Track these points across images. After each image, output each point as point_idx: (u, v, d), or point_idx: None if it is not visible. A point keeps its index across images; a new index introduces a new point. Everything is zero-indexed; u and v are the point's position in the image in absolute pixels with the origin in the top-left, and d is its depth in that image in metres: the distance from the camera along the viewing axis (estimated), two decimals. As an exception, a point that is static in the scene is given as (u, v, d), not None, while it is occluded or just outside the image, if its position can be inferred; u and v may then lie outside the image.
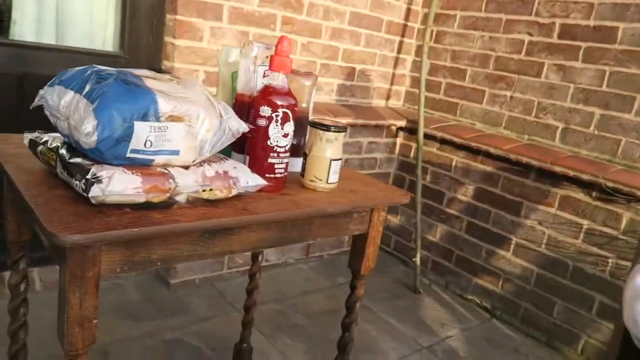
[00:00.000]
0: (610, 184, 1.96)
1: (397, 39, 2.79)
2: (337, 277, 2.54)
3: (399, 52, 2.82)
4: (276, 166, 0.95)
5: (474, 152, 2.47)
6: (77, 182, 0.73)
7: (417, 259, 2.54)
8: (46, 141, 0.84)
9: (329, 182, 1.01)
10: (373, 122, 2.64)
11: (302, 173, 1.03)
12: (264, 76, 0.99)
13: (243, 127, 0.86)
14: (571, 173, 2.06)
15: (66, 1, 1.97)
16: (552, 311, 2.20)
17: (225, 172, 0.85)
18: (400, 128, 2.81)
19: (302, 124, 1.12)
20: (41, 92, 0.82)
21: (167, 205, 0.79)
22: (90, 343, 0.76)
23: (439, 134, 2.56)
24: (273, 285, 2.36)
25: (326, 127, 1.00)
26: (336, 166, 1.02)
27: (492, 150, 2.34)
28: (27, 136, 0.88)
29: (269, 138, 0.93)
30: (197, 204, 0.83)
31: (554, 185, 2.19)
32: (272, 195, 0.95)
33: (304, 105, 1.11)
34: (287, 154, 0.96)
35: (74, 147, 0.78)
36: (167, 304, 2.06)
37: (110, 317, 1.90)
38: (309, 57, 2.43)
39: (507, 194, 2.36)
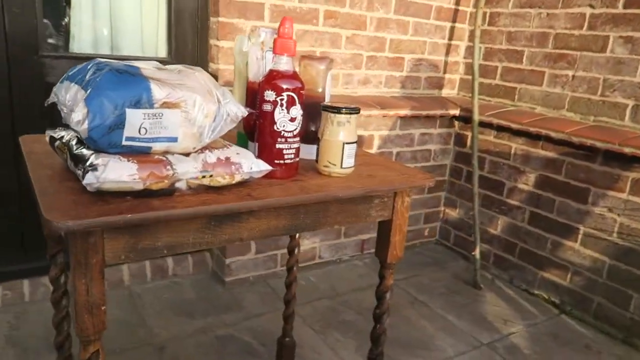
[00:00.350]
0: (689, 162, 1.74)
1: (448, 25, 2.67)
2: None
3: (450, 38, 2.70)
4: (285, 152, 0.93)
5: (533, 137, 2.31)
6: (79, 171, 0.75)
7: (477, 253, 2.41)
8: (62, 136, 0.88)
9: (343, 166, 0.98)
10: (424, 113, 2.55)
11: (317, 159, 1.00)
12: (272, 61, 0.97)
13: (242, 111, 0.85)
14: (643, 153, 1.86)
15: (119, 13, 2.08)
16: (629, 306, 2.00)
17: (228, 158, 0.84)
18: (455, 117, 2.69)
19: (317, 109, 1.09)
20: (54, 89, 0.86)
21: (168, 192, 0.79)
22: (100, 329, 0.78)
23: (495, 121, 2.42)
24: (326, 282, 2.34)
25: (337, 110, 0.97)
26: (350, 150, 0.98)
27: (553, 134, 2.17)
28: (48, 133, 0.92)
29: (275, 123, 0.91)
30: (199, 191, 0.83)
31: (624, 169, 1.99)
32: (282, 182, 0.93)
33: (319, 90, 1.09)
34: (297, 139, 0.94)
35: (82, 140, 0.81)
36: (221, 301, 2.10)
37: (167, 314, 1.97)
38: (354, 50, 2.40)
39: (571, 180, 2.17)
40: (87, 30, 2.06)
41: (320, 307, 2.12)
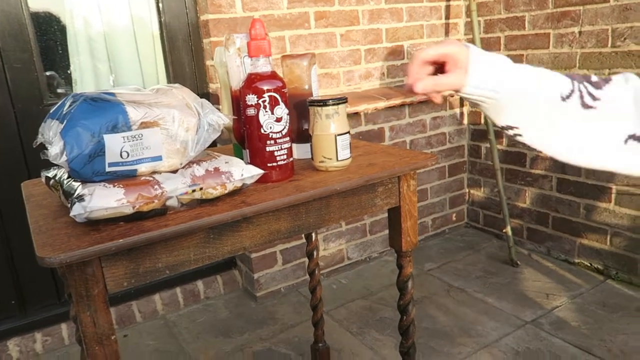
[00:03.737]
0: None
1: (442, 4, 2.62)
2: (425, 263, 2.42)
3: (447, 17, 2.65)
4: (276, 153, 0.91)
5: (548, 102, 2.22)
6: (68, 204, 0.75)
7: (508, 229, 2.33)
8: (55, 174, 0.88)
9: (339, 159, 0.95)
10: (431, 96, 2.50)
11: (312, 156, 0.98)
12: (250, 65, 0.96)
13: (223, 119, 0.83)
14: (665, 98, 1.76)
15: (115, 50, 2.11)
16: (677, 260, 1.89)
17: (217, 169, 0.82)
18: (464, 96, 2.63)
19: (306, 107, 1.07)
20: (40, 129, 0.86)
21: (161, 212, 0.78)
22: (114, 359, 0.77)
23: (505, 92, 2.34)
24: (358, 282, 2.30)
25: (322, 102, 0.94)
26: (343, 141, 0.95)
27: (567, 95, 2.08)
28: (43, 173, 0.93)
29: (261, 126, 0.89)
30: (193, 205, 0.81)
31: (647, 117, 1.89)
32: (278, 184, 0.91)
33: (306, 87, 1.07)
34: (286, 139, 0.92)
35: (72, 174, 0.81)
36: (255, 316, 2.09)
37: (203, 337, 1.97)
38: (351, 47, 2.37)
39: (595, 139, 2.08)
40: (87, 73, 2.10)
41: (355, 308, 2.08)
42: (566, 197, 2.24)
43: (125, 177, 0.77)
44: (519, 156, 2.42)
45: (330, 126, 0.94)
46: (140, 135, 0.76)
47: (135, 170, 0.77)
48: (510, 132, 0.73)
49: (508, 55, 2.56)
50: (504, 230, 2.36)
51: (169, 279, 2.20)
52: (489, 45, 2.54)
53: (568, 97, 0.69)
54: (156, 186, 0.77)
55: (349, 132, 0.96)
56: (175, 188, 0.78)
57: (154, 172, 0.80)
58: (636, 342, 1.69)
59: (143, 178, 0.77)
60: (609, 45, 2.06)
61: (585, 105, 0.68)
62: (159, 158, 0.78)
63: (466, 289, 2.15)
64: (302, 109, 1.07)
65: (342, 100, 0.94)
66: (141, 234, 0.72)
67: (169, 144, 0.79)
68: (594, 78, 0.70)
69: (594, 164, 0.71)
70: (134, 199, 0.74)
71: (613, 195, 2.06)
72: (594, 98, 0.68)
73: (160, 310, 2.17)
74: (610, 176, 2.05)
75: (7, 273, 1.94)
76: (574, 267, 2.24)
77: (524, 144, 0.73)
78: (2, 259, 1.92)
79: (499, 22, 2.49)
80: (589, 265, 2.21)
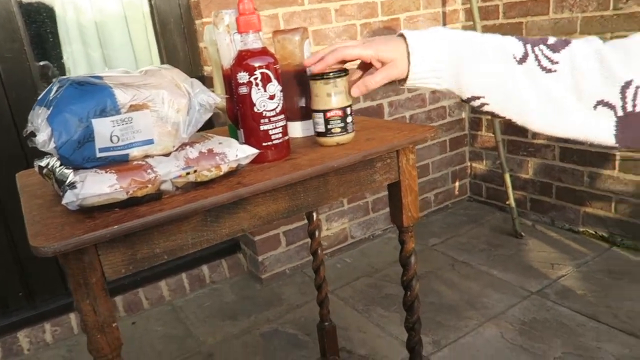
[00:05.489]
0: None
1: (437, -26, 2.56)
2: (429, 238, 2.41)
3: (443, -13, 2.59)
4: (271, 132, 0.88)
5: (548, 70, 2.18)
6: (61, 193, 0.73)
7: (512, 201, 2.32)
8: (48, 163, 0.86)
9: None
10: (430, 69, 2.46)
11: (316, 132, 0.96)
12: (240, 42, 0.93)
13: (214, 98, 0.81)
14: (668, 60, 1.73)
15: (107, 35, 2.08)
16: (683, 225, 1.88)
17: (210, 150, 0.80)
18: (463, 68, 2.59)
19: (303, 83, 1.04)
20: (29, 117, 0.84)
21: (156, 196, 0.77)
22: (117, 346, 0.77)
23: (505, 62, 2.31)
24: (362, 260, 2.30)
25: (321, 76, 0.92)
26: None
27: (568, 61, 2.04)
28: (36, 163, 0.91)
29: (254, 105, 0.87)
30: (188, 189, 0.80)
31: (650, 81, 1.86)
32: (275, 164, 0.89)
33: (299, 63, 1.04)
34: (281, 117, 0.90)
35: (64, 162, 0.79)
36: (261, 298, 2.10)
37: (211, 321, 1.98)
38: (346, 22, 2.32)
39: (597, 105, 2.05)
40: (80, 60, 2.07)
41: (360, 286, 2.09)
42: (569, 166, 2.22)
43: (117, 162, 0.75)
44: (520, 127, 2.39)
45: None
46: (129, 119, 0.74)
47: (127, 154, 0.76)
48: (477, 103, 0.71)
49: (507, 24, 2.50)
50: (507, 202, 2.35)
51: (173, 265, 2.21)
52: (487, 13, 2.49)
53: (522, 59, 0.67)
54: (149, 170, 0.75)
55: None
56: (168, 171, 0.76)
57: (147, 156, 0.78)
58: (643, 308, 1.69)
59: (135, 162, 0.76)
60: (611, 8, 2.01)
61: (545, 69, 0.66)
62: (150, 141, 0.77)
63: (471, 263, 2.14)
64: (296, 86, 1.04)
65: (342, 72, 0.92)
66: (136, 220, 0.71)
67: (160, 127, 0.77)
68: (551, 40, 0.67)
69: (562, 132, 0.69)
70: (127, 185, 0.73)
71: (617, 162, 2.04)
72: (552, 61, 0.65)
73: (167, 297, 2.18)
74: (613, 143, 2.03)
75: (13, 266, 1.94)
76: (579, 236, 2.23)
77: (492, 114, 0.71)
78: (7, 251, 1.93)
79: (496, -11, 2.43)
80: (593, 233, 2.20)
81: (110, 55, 2.12)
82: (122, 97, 0.73)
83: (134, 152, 0.76)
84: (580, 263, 2.01)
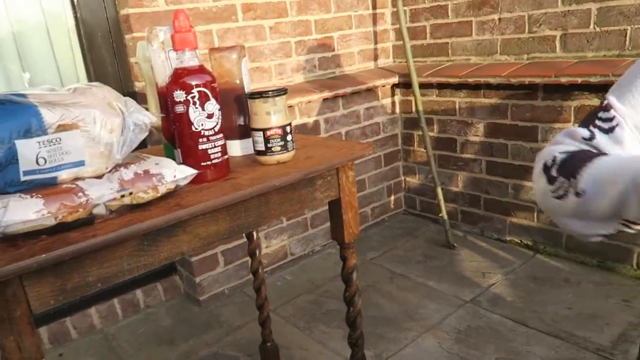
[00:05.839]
0: (622, 80, 1.77)
1: (369, -5, 2.65)
2: (367, 252, 2.45)
3: (374, 7, 2.67)
4: (210, 151, 0.87)
5: (474, 88, 2.31)
6: (-20, 221, 0.67)
7: (444, 214, 2.41)
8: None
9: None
10: (363, 87, 2.52)
11: (256, 151, 0.95)
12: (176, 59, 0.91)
13: (150, 117, 0.78)
14: (579, 80, 1.88)
15: (27, 51, 1.96)
16: (597, 231, 2.03)
17: (146, 171, 0.77)
18: (395, 85, 2.68)
19: (241, 101, 1.03)
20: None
21: (88, 221, 0.72)
22: (45, 384, 0.71)
23: (434, 80, 2.42)
24: (303, 277, 2.29)
25: (260, 95, 0.92)
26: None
27: (491, 80, 2.18)
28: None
29: (192, 124, 0.85)
30: (123, 212, 0.76)
31: (565, 99, 2.01)
32: (215, 184, 0.87)
33: (237, 81, 1.03)
34: (219, 136, 0.88)
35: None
36: (200, 321, 2.03)
37: (146, 348, 1.89)
38: (281, 39, 2.34)
39: (519, 121, 2.19)
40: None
41: (301, 303, 2.07)
42: (495, 178, 2.35)
43: (45, 186, 0.71)
44: (450, 142, 2.50)
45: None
46: (58, 139, 0.70)
47: (56, 177, 0.71)
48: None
49: (434, 44, 2.59)
50: (439, 215, 2.44)
51: (105, 290, 2.09)
52: (415, 34, 2.60)
53: None
54: (80, 194, 0.71)
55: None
56: (101, 194, 0.72)
57: (77, 179, 0.74)
58: (564, 311, 1.80)
59: (65, 186, 0.71)
60: (527, 31, 2.16)
61: None
62: (81, 163, 0.73)
63: (408, 275, 2.20)
64: (234, 104, 1.03)
65: (281, 91, 0.92)
66: (66, 247, 0.67)
67: (92, 147, 0.73)
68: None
69: None
70: (55, 210, 0.68)
71: (538, 174, 2.18)
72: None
73: (97, 325, 2.05)
74: (534, 156, 2.17)
75: None
76: (506, 245, 2.35)
77: None
78: None
79: (423, 11, 2.55)
80: (519, 242, 2.33)
81: (32, 70, 2.00)
82: (49, 116, 0.69)
83: (63, 175, 0.72)
84: (508, 271, 2.12)
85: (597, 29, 1.94)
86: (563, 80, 1.93)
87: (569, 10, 2.00)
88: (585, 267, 2.07)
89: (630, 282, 1.94)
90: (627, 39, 1.87)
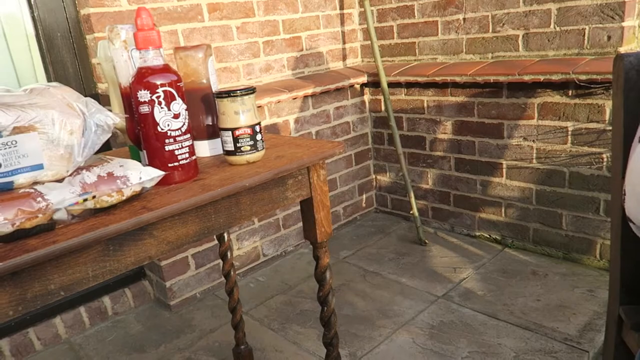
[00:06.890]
0: (582, 77, 1.82)
1: (335, -6, 2.65)
2: (340, 251, 2.45)
3: (341, 8, 2.68)
4: (177, 152, 0.85)
5: (441, 86, 2.34)
6: None
7: (415, 211, 2.43)
8: None
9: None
10: (333, 87, 2.52)
11: (225, 151, 0.93)
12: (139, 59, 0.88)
13: (112, 118, 0.76)
14: (541, 78, 1.93)
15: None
16: (561, 224, 2.09)
17: (110, 174, 0.75)
18: (364, 84, 2.69)
19: (208, 101, 1.02)
20: None
21: (48, 227, 0.69)
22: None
23: (402, 79, 2.44)
24: (276, 278, 2.27)
25: (228, 94, 0.90)
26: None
27: (458, 79, 2.21)
28: None
29: (158, 124, 0.83)
30: (86, 216, 0.73)
31: (528, 96, 2.06)
32: (183, 185, 0.85)
33: (204, 81, 1.01)
34: (187, 136, 0.86)
35: None
36: (171, 326, 1.99)
37: (115, 356, 1.84)
38: (248, 39, 2.31)
39: (485, 119, 2.23)
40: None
41: (275, 304, 2.06)
42: (464, 175, 2.38)
43: (0, 192, 0.67)
44: (419, 140, 2.52)
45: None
46: (13, 142, 0.67)
47: (12, 182, 0.68)
48: None
49: (402, 44, 2.62)
50: (410, 212, 2.46)
51: (70, 298, 2.02)
52: (383, 33, 2.61)
53: None
54: (39, 198, 0.68)
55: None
56: (62, 199, 0.69)
57: (36, 183, 0.71)
58: (533, 303, 1.84)
59: (22, 191, 0.68)
60: (490, 30, 2.20)
61: None
62: (39, 167, 0.69)
63: (381, 272, 2.21)
64: (201, 104, 1.01)
65: (249, 90, 0.90)
66: (25, 255, 0.64)
67: (51, 150, 0.70)
68: None
69: None
70: (12, 216, 0.65)
71: (504, 170, 2.22)
72: None
73: (63, 334, 1.99)
74: (500, 153, 2.21)
75: None
76: (476, 240, 2.39)
77: None
78: None
79: (390, 11, 2.57)
80: (488, 237, 2.37)
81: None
82: (4, 118, 0.66)
83: (20, 179, 0.69)
84: (478, 265, 2.16)
85: (558, 29, 1.99)
86: (526, 78, 1.97)
87: (530, 11, 2.05)
88: (551, 260, 2.12)
89: (595, 272, 1.99)
90: (586, 38, 1.93)
